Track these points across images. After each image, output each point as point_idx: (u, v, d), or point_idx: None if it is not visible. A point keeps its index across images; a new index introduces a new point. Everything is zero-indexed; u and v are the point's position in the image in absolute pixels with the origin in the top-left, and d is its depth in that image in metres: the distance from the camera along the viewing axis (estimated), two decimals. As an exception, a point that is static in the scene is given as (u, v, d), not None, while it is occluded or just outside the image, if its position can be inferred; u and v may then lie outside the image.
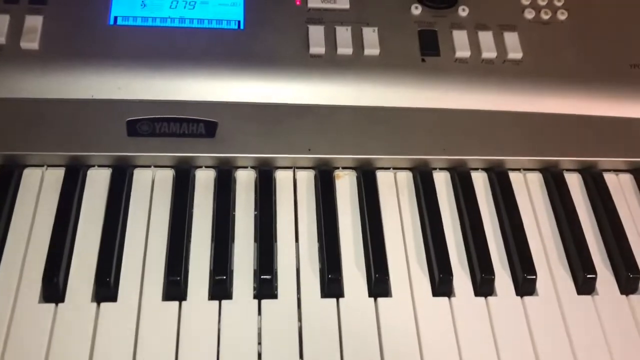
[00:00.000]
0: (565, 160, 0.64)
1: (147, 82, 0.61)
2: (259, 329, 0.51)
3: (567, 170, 0.64)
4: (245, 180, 0.60)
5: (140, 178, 0.59)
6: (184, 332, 0.51)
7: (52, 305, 0.51)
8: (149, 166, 0.59)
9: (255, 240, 0.56)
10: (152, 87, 0.61)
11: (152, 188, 0.58)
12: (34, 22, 0.61)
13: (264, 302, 0.53)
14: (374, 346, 0.51)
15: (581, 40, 0.68)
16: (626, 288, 0.57)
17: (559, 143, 0.64)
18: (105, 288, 0.52)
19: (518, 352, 0.53)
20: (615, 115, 0.66)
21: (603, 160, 0.64)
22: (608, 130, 0.65)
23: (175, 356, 0.49)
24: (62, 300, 0.51)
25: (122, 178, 0.58)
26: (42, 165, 0.58)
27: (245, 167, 0.61)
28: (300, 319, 0.52)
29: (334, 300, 0.54)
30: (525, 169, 0.64)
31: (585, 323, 0.55)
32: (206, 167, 0.60)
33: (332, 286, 0.54)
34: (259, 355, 0.50)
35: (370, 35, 0.65)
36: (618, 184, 0.64)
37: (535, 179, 0.64)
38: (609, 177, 0.64)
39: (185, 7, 0.64)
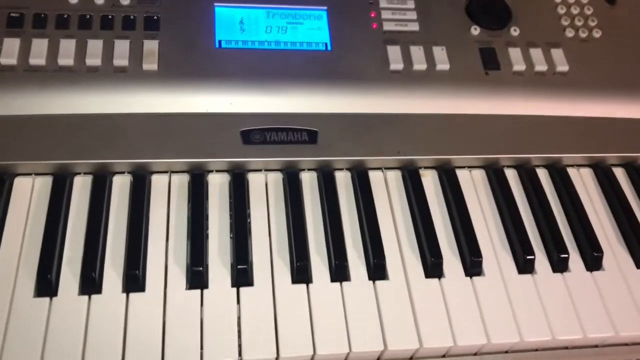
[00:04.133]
0: (611, 156, 0.74)
1: (254, 98, 0.69)
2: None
3: (614, 165, 0.74)
4: (343, 181, 0.68)
5: (255, 181, 0.66)
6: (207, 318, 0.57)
7: (198, 291, 0.58)
8: (261, 170, 0.67)
9: (362, 232, 0.64)
10: (258, 102, 0.69)
11: (266, 190, 0.66)
12: (152, 46, 0.68)
13: (377, 283, 0.61)
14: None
15: (616, 53, 0.79)
16: (591, 266, 0.65)
17: (605, 141, 0.74)
18: (244, 276, 0.59)
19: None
20: (650, 118, 0.77)
21: (641, 156, 0.75)
22: (645, 130, 0.75)
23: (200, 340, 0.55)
24: (207, 287, 0.58)
25: (241, 182, 0.65)
26: (167, 172, 0.65)
27: (341, 169, 0.69)
28: (410, 298, 0.60)
29: (437, 280, 0.62)
30: (578, 165, 0.74)
31: (559, 297, 0.63)
32: (308, 169, 0.68)
33: (434, 268, 0.62)
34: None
35: (440, 53, 0.74)
36: (657, 176, 0.75)
37: (588, 174, 0.73)
38: (647, 170, 0.75)
39: (278, 32, 0.73)
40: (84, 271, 0.57)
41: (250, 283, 0.59)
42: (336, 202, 0.65)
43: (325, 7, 0.75)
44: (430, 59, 0.74)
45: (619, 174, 0.74)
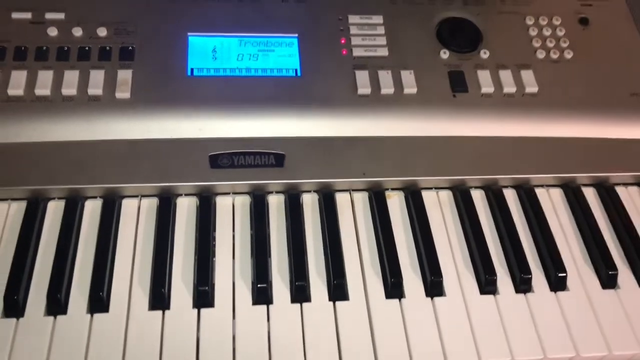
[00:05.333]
0: (582, 176, 0.74)
1: (223, 123, 0.71)
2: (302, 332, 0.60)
3: (584, 185, 0.75)
4: (310, 203, 0.70)
5: (223, 204, 0.68)
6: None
7: (160, 312, 0.60)
8: (229, 193, 0.69)
9: (325, 253, 0.65)
10: (227, 127, 0.71)
11: (233, 212, 0.68)
12: (125, 75, 0.71)
13: (338, 303, 0.62)
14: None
15: (586, 74, 0.79)
16: (555, 286, 0.65)
17: (575, 162, 0.74)
18: (205, 297, 0.60)
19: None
20: (620, 137, 0.76)
21: (614, 175, 0.74)
22: (615, 149, 0.75)
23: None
24: (169, 308, 0.60)
25: (208, 205, 0.67)
26: (137, 196, 0.68)
27: (309, 192, 0.70)
28: (370, 319, 0.61)
29: (397, 300, 0.63)
30: (548, 185, 0.74)
31: (520, 317, 0.63)
32: (276, 192, 0.70)
33: (395, 289, 0.63)
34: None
35: (408, 77, 0.76)
36: (629, 196, 0.74)
37: (558, 194, 0.74)
38: (620, 190, 0.74)
39: (249, 59, 0.75)
40: (50, 292, 0.59)
41: (210, 304, 0.61)
42: (300, 223, 0.67)
43: (297, 35, 0.77)
44: (398, 83, 0.75)
45: (590, 194, 0.74)
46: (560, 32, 0.82)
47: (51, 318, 0.58)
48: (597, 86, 0.78)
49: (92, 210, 0.67)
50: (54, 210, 0.66)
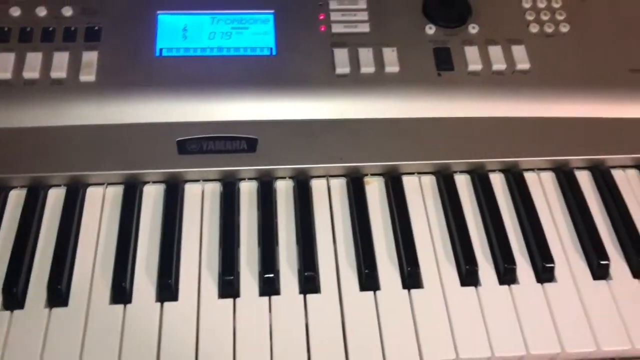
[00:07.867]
0: (575, 159, 0.69)
1: (192, 106, 0.67)
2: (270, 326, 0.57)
3: (577, 168, 0.70)
4: (284, 190, 0.66)
5: (191, 192, 0.65)
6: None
7: (121, 306, 0.57)
8: (198, 180, 0.66)
9: (297, 243, 0.62)
10: (197, 110, 0.67)
11: (202, 200, 0.65)
12: (91, 57, 0.68)
13: (309, 296, 0.59)
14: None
15: (583, 49, 0.74)
16: (542, 277, 0.61)
17: (568, 144, 0.70)
18: (168, 290, 0.58)
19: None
20: (618, 117, 0.71)
21: (610, 158, 0.70)
22: (612, 130, 0.70)
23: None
24: (130, 302, 0.57)
25: (175, 192, 0.64)
26: (103, 184, 0.65)
27: (284, 178, 0.67)
28: (342, 313, 0.58)
29: (371, 293, 0.59)
30: (539, 169, 0.70)
31: (503, 310, 0.59)
32: (249, 179, 0.66)
33: (369, 280, 0.60)
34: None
35: (390, 54, 0.71)
36: (626, 179, 0.70)
37: (549, 178, 0.69)
38: (616, 173, 0.70)
39: (222, 38, 0.71)
40: (5, 285, 0.57)
41: (174, 298, 0.58)
42: (272, 212, 0.63)
43: (273, 11, 0.73)
44: (379, 61, 0.71)
45: (584, 177, 0.70)
46: (557, 4, 0.77)
47: (8, 313, 0.56)
48: (594, 62, 0.73)
49: (56, 198, 0.64)
50: (17, 199, 0.63)
